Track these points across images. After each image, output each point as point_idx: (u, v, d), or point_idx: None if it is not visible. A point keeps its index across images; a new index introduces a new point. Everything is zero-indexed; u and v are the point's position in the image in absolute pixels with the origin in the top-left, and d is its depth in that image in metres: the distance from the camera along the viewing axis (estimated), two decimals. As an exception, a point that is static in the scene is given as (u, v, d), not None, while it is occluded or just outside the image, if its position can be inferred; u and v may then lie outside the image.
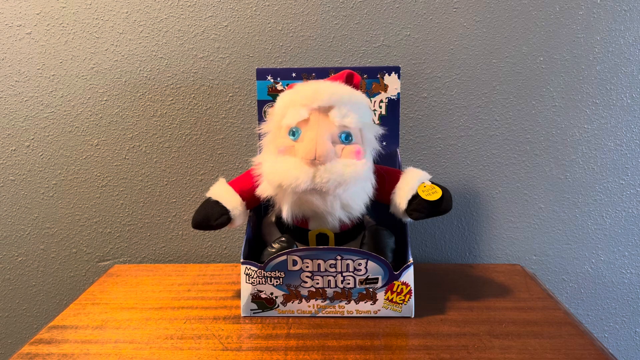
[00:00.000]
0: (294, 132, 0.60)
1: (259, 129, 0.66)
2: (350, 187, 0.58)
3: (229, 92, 0.87)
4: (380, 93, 0.75)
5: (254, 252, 0.69)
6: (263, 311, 0.66)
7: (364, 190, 0.62)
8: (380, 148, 0.65)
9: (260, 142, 0.66)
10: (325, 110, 0.60)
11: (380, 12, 0.83)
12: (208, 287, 0.77)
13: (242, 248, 0.66)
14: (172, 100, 0.87)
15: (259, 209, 0.75)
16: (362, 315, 0.65)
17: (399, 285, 0.63)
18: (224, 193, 0.67)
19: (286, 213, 0.62)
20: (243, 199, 0.67)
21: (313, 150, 0.57)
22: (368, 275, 0.63)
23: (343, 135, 0.60)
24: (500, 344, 0.59)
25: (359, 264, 0.62)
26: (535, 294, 0.73)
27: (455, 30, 0.84)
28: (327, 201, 0.59)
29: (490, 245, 0.92)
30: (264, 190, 0.64)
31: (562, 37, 0.84)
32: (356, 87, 0.65)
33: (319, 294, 0.64)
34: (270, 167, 0.60)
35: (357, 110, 0.61)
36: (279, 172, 0.59)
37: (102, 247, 0.93)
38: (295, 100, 0.61)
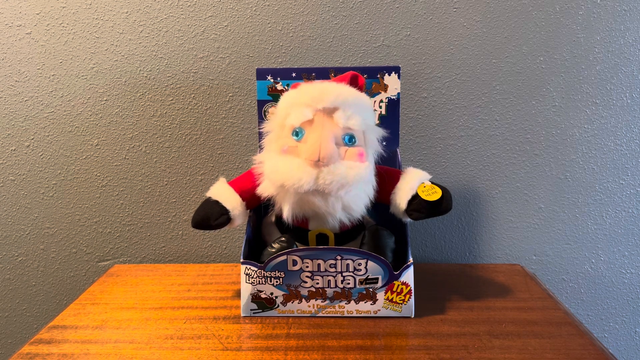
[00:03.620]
0: (297, 133, 0.60)
1: (261, 128, 0.66)
2: (352, 189, 0.59)
3: (229, 92, 0.87)
4: (380, 93, 0.75)
5: (254, 252, 0.69)
6: (263, 311, 0.66)
7: (365, 193, 0.62)
8: (382, 150, 0.65)
9: (262, 141, 0.66)
10: (330, 111, 0.60)
11: (380, 12, 0.83)
12: (208, 287, 0.77)
13: (242, 248, 0.66)
14: (172, 100, 0.87)
15: (259, 209, 0.75)
16: (362, 315, 0.65)
17: (399, 285, 0.63)
18: (223, 193, 0.67)
19: (287, 213, 0.62)
20: (243, 199, 0.67)
21: (317, 151, 0.57)
22: (368, 275, 0.63)
23: (347, 137, 0.60)
24: (500, 344, 0.59)
25: (359, 264, 0.62)
26: (535, 294, 0.73)
27: (455, 30, 0.84)
28: (329, 202, 0.59)
29: (490, 245, 0.92)
30: (265, 190, 0.63)
31: (562, 37, 0.84)
32: (361, 89, 0.65)
33: (319, 294, 0.64)
34: (272, 166, 0.60)
35: (362, 112, 0.61)
36: (281, 172, 0.59)
37: (102, 247, 0.93)
38: (299, 101, 0.61)
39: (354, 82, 0.64)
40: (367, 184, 0.62)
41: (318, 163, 0.57)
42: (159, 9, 0.84)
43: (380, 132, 0.65)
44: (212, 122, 0.88)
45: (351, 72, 0.65)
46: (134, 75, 0.86)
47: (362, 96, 0.64)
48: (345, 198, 0.60)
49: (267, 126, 0.65)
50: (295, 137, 0.60)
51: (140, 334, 0.62)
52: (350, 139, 0.60)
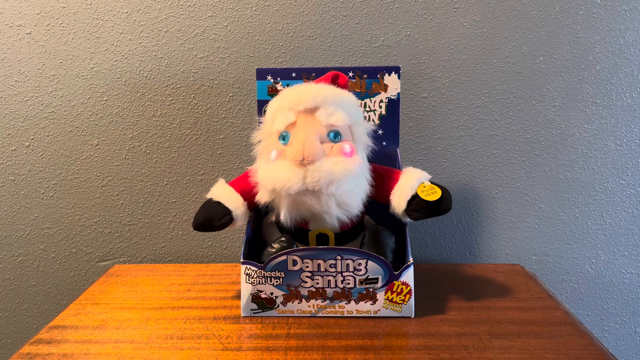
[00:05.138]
0: (284, 137, 0.61)
1: (253, 138, 0.66)
2: (342, 184, 0.59)
3: (229, 92, 0.87)
4: (380, 93, 0.75)
5: (254, 252, 0.69)
6: (263, 311, 0.66)
7: (359, 187, 0.62)
8: (373, 144, 0.65)
9: (255, 150, 0.66)
10: (312, 111, 0.60)
11: (380, 12, 0.83)
12: (208, 287, 0.77)
13: (242, 248, 0.66)
14: (172, 100, 0.87)
15: (259, 209, 0.75)
16: (362, 315, 0.65)
17: (399, 285, 0.63)
18: (225, 193, 0.67)
19: (284, 216, 0.62)
20: (244, 199, 0.67)
21: (301, 151, 0.57)
22: (368, 275, 0.63)
23: (331, 134, 0.60)
24: (500, 344, 0.59)
25: (359, 264, 0.62)
26: (535, 294, 0.73)
27: (455, 30, 0.84)
28: (322, 200, 0.59)
29: (490, 245, 0.92)
30: (261, 197, 0.64)
31: (562, 37, 0.84)
32: (342, 87, 0.65)
33: (319, 294, 0.64)
34: (263, 172, 0.61)
35: (344, 108, 0.61)
36: (271, 176, 0.59)
37: (102, 247, 0.93)
38: (282, 105, 0.62)
39: (334, 81, 0.65)
40: (359, 178, 0.62)
41: (303, 162, 0.57)
42: (159, 9, 0.84)
43: (369, 126, 0.65)
44: (212, 122, 0.88)
45: (332, 71, 0.66)
46: (134, 75, 0.86)
47: (344, 93, 0.64)
48: (338, 194, 0.60)
49: (258, 135, 0.66)
50: (282, 142, 0.61)
51: (140, 334, 0.62)
52: (335, 136, 0.60)
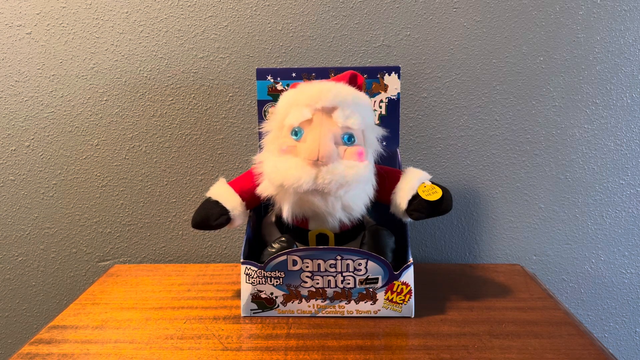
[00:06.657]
0: (296, 132, 0.60)
1: (260, 128, 0.66)
2: (352, 188, 0.59)
3: (229, 92, 0.87)
4: (380, 93, 0.75)
5: (254, 252, 0.69)
6: (263, 311, 0.66)
7: (365, 192, 0.62)
8: (381, 150, 0.65)
9: (261, 140, 0.66)
10: (329, 110, 0.60)
11: (380, 12, 0.83)
12: (208, 287, 0.77)
13: (242, 248, 0.66)
14: (172, 100, 0.87)
15: (259, 209, 0.75)
16: (362, 315, 0.65)
17: (399, 285, 0.63)
18: (223, 193, 0.67)
19: (286, 213, 0.62)
20: (243, 199, 0.67)
21: (316, 151, 0.57)
22: (368, 275, 0.63)
23: (346, 137, 0.60)
24: (500, 344, 0.59)
25: (359, 264, 0.62)
26: (535, 294, 0.73)
27: (455, 30, 0.84)
28: (328, 202, 0.59)
29: (490, 245, 0.92)
30: (264, 189, 0.63)
31: (562, 37, 0.84)
32: (359, 88, 0.65)
33: (319, 294, 0.64)
34: (272, 166, 0.60)
35: (360, 111, 0.61)
36: (281, 171, 0.59)
37: (102, 247, 0.93)
38: (298, 100, 0.61)
39: (352, 82, 0.64)
40: (366, 183, 0.62)
41: (317, 162, 0.57)
42: (159, 9, 0.84)
43: (380, 131, 0.65)
44: (212, 122, 0.88)
45: (350, 71, 0.65)
46: (134, 75, 0.86)
47: (361, 95, 0.63)
48: (345, 197, 0.60)
49: (266, 126, 0.65)
50: (294, 137, 0.60)
51: (140, 334, 0.62)
52: (349, 138, 0.60)
